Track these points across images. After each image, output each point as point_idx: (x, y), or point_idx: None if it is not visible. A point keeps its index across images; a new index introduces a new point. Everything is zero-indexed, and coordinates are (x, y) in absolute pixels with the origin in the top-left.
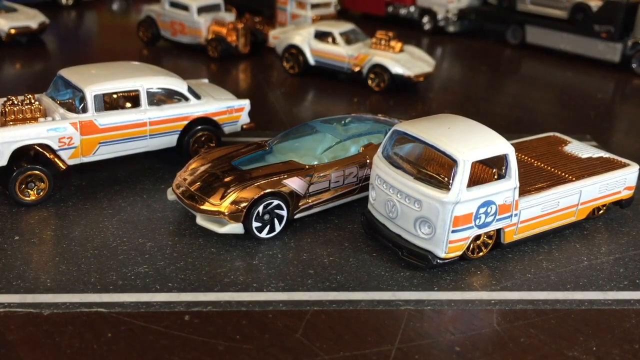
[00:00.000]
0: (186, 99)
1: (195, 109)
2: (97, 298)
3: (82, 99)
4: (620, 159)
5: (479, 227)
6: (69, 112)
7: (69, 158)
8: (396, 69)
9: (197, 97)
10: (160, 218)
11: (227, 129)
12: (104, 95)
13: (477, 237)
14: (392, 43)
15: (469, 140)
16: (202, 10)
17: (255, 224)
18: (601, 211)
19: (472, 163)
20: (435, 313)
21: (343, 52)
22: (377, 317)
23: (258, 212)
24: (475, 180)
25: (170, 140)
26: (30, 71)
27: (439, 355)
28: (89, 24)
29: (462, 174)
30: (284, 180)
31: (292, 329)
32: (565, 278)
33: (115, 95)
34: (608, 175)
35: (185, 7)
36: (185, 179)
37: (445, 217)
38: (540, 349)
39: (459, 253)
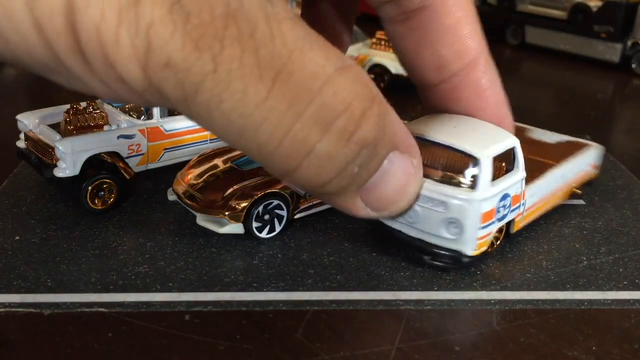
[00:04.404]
0: None
1: None
2: (97, 298)
3: None
4: (581, 140)
5: (499, 220)
6: (135, 119)
7: (136, 165)
8: (396, 69)
9: None
10: (160, 218)
11: None
12: None
13: None
14: None
15: (481, 137)
16: None
17: (255, 224)
18: (579, 191)
19: (492, 159)
20: (435, 313)
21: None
22: (377, 317)
23: (258, 212)
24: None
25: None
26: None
27: (439, 355)
28: None
29: (486, 171)
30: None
31: (292, 329)
32: (564, 278)
33: None
34: (579, 156)
35: None
36: (185, 179)
37: (474, 215)
38: (540, 349)
39: (485, 248)
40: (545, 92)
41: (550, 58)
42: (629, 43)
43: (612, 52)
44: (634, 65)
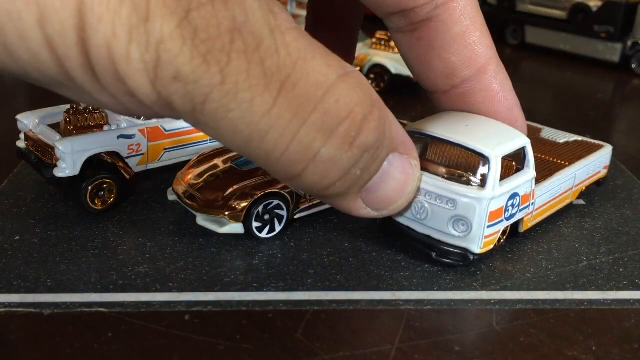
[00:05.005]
0: None
1: None
2: (97, 298)
3: None
4: (591, 140)
5: (507, 219)
6: (135, 119)
7: (136, 165)
8: (396, 69)
9: None
10: (160, 218)
11: None
12: None
13: None
14: (392, 43)
15: (491, 136)
16: None
17: (255, 224)
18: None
19: (502, 158)
20: (435, 313)
21: None
22: (377, 317)
23: (258, 212)
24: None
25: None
26: None
27: (439, 355)
28: None
29: (496, 170)
30: None
31: (292, 329)
32: (564, 278)
33: None
34: (592, 157)
35: None
36: (185, 179)
37: (482, 214)
38: (540, 349)
39: (491, 247)
40: (545, 92)
41: (550, 58)
42: (629, 43)
43: (612, 52)
44: (634, 65)
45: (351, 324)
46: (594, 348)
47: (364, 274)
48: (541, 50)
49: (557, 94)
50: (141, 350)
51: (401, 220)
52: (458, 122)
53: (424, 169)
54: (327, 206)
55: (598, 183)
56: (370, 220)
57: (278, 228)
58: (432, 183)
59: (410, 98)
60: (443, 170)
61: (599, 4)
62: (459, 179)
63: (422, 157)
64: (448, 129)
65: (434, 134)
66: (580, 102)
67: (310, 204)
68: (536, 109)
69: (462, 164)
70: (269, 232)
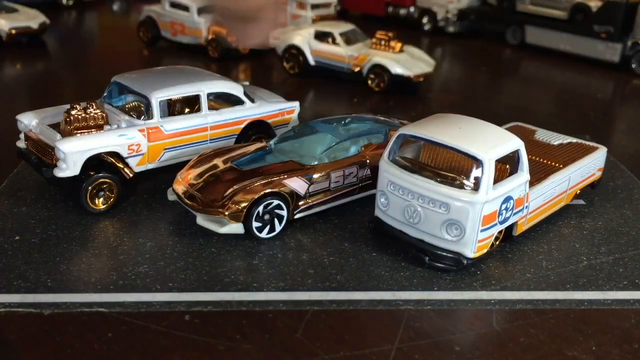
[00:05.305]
0: (242, 102)
1: (251, 112)
2: (97, 298)
3: (148, 105)
4: (586, 142)
5: (501, 223)
6: (135, 119)
7: (136, 165)
8: (396, 69)
9: (252, 100)
10: (160, 218)
11: (277, 132)
12: (167, 101)
13: None
14: (392, 43)
15: (485, 139)
16: (202, 10)
17: (255, 224)
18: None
19: (495, 161)
20: (435, 313)
21: (343, 52)
22: (377, 317)
23: (258, 212)
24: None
25: (228, 144)
26: (31, 72)
27: (439, 355)
28: (90, 24)
29: (489, 173)
30: (284, 181)
31: (292, 329)
32: (564, 278)
33: (176, 101)
34: (587, 159)
35: (185, 8)
36: (185, 179)
37: (475, 218)
38: (540, 349)
39: (485, 251)
40: (545, 92)
41: (550, 58)
42: (629, 43)
43: (612, 52)
44: (634, 65)
45: (351, 324)
46: (594, 348)
47: (364, 274)
48: (541, 50)
49: (557, 94)
50: (141, 350)
51: (394, 224)
52: (451, 124)
53: (417, 171)
54: (327, 206)
55: (592, 185)
56: (371, 219)
57: (278, 228)
58: (425, 186)
59: (410, 98)
60: (436, 173)
61: (599, 4)
62: (452, 182)
63: (416, 160)
64: (441, 131)
65: (427, 137)
66: (580, 102)
67: (311, 203)
68: (536, 109)
69: (455, 167)
70: (269, 232)
